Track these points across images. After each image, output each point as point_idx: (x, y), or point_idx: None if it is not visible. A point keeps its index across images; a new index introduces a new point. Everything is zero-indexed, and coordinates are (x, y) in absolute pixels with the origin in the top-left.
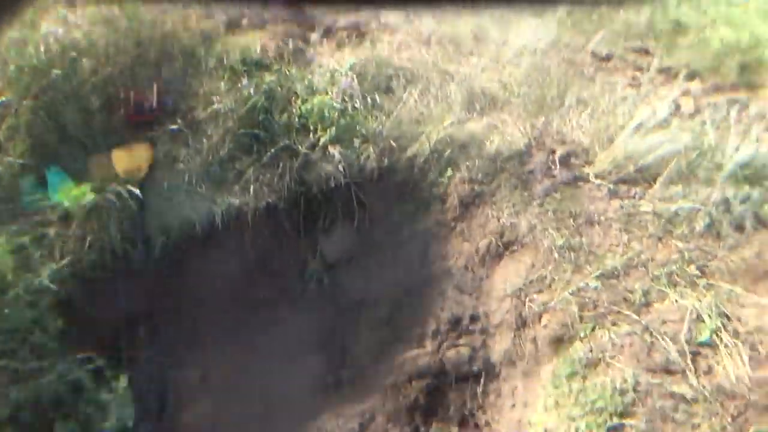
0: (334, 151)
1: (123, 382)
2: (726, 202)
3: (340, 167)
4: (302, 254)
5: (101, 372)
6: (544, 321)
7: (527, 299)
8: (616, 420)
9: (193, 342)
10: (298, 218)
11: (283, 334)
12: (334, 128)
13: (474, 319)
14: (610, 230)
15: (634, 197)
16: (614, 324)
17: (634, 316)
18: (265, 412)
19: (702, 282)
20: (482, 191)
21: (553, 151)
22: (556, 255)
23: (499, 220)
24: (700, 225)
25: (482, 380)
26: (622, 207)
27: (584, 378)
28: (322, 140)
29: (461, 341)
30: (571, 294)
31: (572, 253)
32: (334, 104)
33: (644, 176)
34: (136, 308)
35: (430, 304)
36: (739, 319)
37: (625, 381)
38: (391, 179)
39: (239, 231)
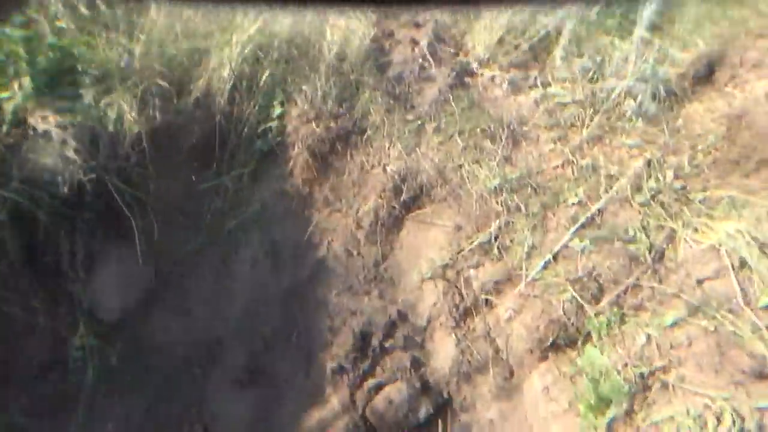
0: (44, 123)
1: None
2: (641, 71)
3: (69, 152)
4: (54, 326)
5: None
6: (505, 312)
7: (462, 279)
8: None
9: None
10: (22, 269)
11: None
12: (27, 78)
13: (389, 329)
14: (542, 144)
15: (537, 85)
16: (638, 309)
17: (669, 290)
18: None
19: (697, 197)
20: (345, 127)
21: (415, 41)
22: (494, 204)
23: (385, 168)
24: (628, 106)
25: (439, 421)
26: (536, 103)
27: (631, 416)
28: (13, 104)
29: (381, 374)
30: (545, 267)
31: (516, 196)
32: (9, 30)
33: (535, 53)
34: None
35: (312, 328)
36: None
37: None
38: (180, 144)
39: None
